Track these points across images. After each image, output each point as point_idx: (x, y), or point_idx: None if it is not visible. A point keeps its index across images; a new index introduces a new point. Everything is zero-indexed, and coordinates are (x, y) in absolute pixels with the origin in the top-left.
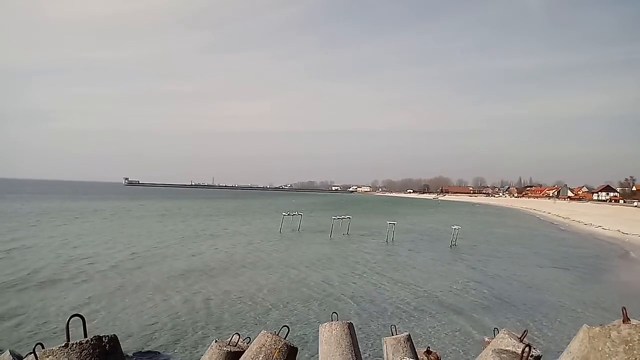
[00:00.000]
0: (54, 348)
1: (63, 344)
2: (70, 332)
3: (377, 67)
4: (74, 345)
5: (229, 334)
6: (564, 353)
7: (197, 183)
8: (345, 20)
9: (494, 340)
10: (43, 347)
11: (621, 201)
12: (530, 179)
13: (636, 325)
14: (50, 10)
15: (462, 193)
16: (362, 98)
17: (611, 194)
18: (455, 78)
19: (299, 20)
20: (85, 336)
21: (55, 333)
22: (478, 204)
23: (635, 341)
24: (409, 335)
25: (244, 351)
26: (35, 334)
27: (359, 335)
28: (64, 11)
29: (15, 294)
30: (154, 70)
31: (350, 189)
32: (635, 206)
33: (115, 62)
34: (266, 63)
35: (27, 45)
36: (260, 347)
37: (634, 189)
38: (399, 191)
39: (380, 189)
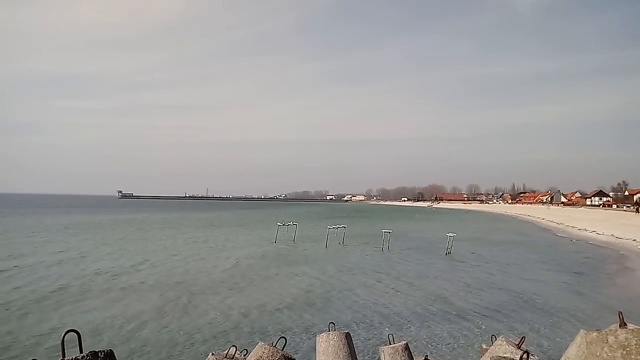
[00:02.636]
0: None
1: None
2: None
3: (371, 76)
4: None
5: (226, 346)
6: (562, 359)
7: (191, 195)
8: (338, 30)
9: (492, 347)
10: None
11: (614, 206)
12: (524, 185)
13: (633, 330)
14: (39, 21)
15: (456, 200)
16: (355, 107)
17: (604, 199)
18: (448, 86)
19: (294, 28)
20: (81, 351)
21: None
22: (470, 210)
23: (632, 346)
24: (407, 343)
25: None
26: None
27: (357, 345)
28: (53, 22)
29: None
30: (144, 81)
31: (345, 198)
32: (625, 210)
33: (105, 74)
34: (259, 73)
35: (13, 56)
36: (258, 359)
37: (626, 193)
38: (393, 199)
39: (374, 198)
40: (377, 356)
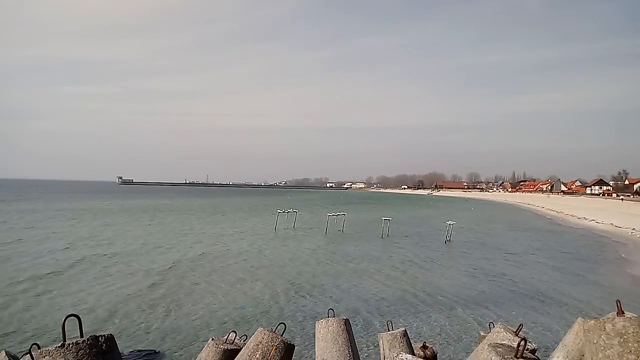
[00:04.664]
0: (50, 348)
1: (59, 344)
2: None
3: (371, 64)
4: (71, 345)
5: (226, 331)
6: (559, 346)
7: (191, 181)
8: (339, 16)
9: (490, 334)
10: (39, 348)
11: (614, 195)
12: (524, 173)
13: (630, 318)
14: (39, 7)
15: (456, 188)
16: (357, 94)
17: (604, 187)
18: (449, 74)
19: (294, 15)
20: (82, 336)
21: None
22: (470, 198)
23: (629, 334)
24: (405, 330)
25: (241, 349)
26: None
27: (356, 331)
28: (54, 8)
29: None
30: (145, 68)
31: (345, 186)
32: (622, 199)
33: (106, 60)
34: (259, 60)
35: (12, 42)
36: (257, 345)
37: (626, 182)
38: (394, 187)
39: (374, 185)
40: (376, 342)
